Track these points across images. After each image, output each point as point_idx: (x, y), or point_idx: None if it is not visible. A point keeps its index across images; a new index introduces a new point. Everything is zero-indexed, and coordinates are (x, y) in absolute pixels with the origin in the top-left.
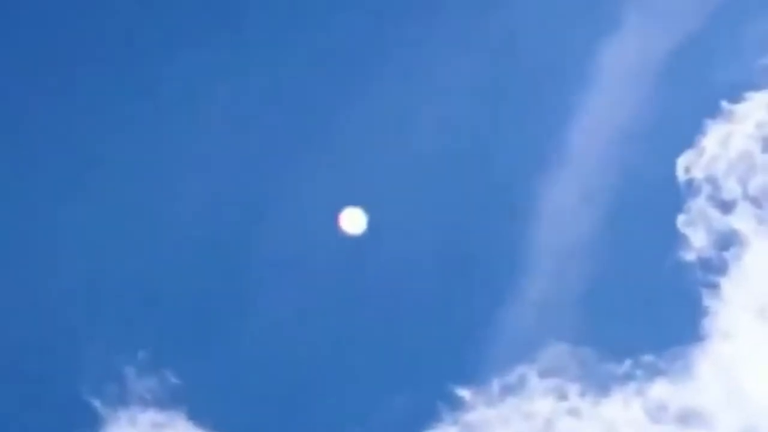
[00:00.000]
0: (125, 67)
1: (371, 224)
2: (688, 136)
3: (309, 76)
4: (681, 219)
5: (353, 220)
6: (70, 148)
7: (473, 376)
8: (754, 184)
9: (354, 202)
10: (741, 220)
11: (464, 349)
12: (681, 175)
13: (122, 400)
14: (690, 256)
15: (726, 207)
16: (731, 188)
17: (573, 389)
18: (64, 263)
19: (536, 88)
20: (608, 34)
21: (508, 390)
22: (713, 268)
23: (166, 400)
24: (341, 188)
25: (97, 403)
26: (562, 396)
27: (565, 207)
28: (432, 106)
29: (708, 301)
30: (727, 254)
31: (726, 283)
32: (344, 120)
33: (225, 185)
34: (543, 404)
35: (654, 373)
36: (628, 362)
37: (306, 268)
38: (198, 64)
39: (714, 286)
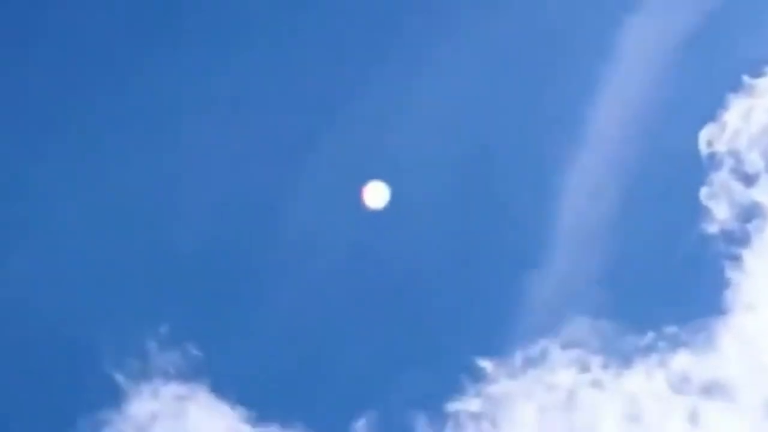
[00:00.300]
0: (130, 52)
1: (395, 198)
2: (710, 111)
3: (332, 50)
4: (704, 192)
5: (376, 194)
6: (86, 119)
7: (496, 349)
8: None
9: (377, 176)
10: (763, 193)
11: (487, 321)
12: (703, 148)
13: (144, 373)
14: (713, 229)
15: (749, 180)
16: (754, 161)
17: (595, 361)
18: (84, 237)
19: (558, 64)
20: (630, 11)
21: (530, 362)
22: (736, 240)
23: (189, 373)
24: (364, 162)
25: (119, 377)
26: (585, 368)
27: (588, 181)
28: (454, 83)
29: (730, 273)
30: (749, 226)
31: (748, 256)
32: (366, 96)
33: (249, 159)
34: (565, 376)
35: (677, 344)
36: (650, 334)
37: (328, 242)
38: (216, 38)
39: (737, 259)
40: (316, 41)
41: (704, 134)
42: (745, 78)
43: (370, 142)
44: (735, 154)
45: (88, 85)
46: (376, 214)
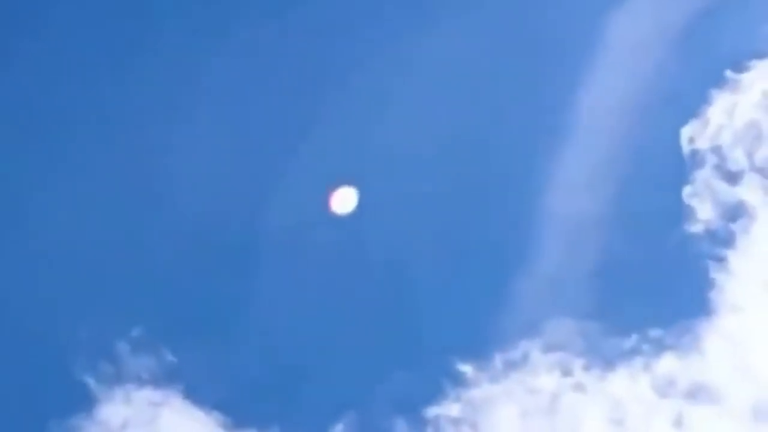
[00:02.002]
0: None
1: (374, 198)
2: (692, 107)
3: (300, 54)
4: (687, 191)
5: (351, 195)
6: (61, 122)
7: (477, 352)
8: (761, 155)
9: (355, 175)
10: (748, 191)
11: (468, 324)
12: (686, 146)
13: (117, 378)
14: (696, 229)
15: (732, 178)
16: (737, 159)
17: (578, 364)
18: (56, 239)
19: (542, 59)
20: (614, 7)
21: (511, 365)
22: (720, 240)
23: (162, 378)
24: (343, 161)
25: (91, 382)
26: (567, 371)
27: (570, 182)
28: (437, 77)
29: (715, 274)
30: (734, 226)
31: (733, 256)
32: (352, 85)
33: (218, 164)
34: (547, 380)
35: (661, 347)
36: (634, 337)
37: (305, 245)
38: (183, 45)
39: (721, 259)
40: (286, 42)
41: (686, 131)
42: (729, 73)
43: (353, 136)
44: (718, 152)
45: (70, 77)
46: (355, 214)
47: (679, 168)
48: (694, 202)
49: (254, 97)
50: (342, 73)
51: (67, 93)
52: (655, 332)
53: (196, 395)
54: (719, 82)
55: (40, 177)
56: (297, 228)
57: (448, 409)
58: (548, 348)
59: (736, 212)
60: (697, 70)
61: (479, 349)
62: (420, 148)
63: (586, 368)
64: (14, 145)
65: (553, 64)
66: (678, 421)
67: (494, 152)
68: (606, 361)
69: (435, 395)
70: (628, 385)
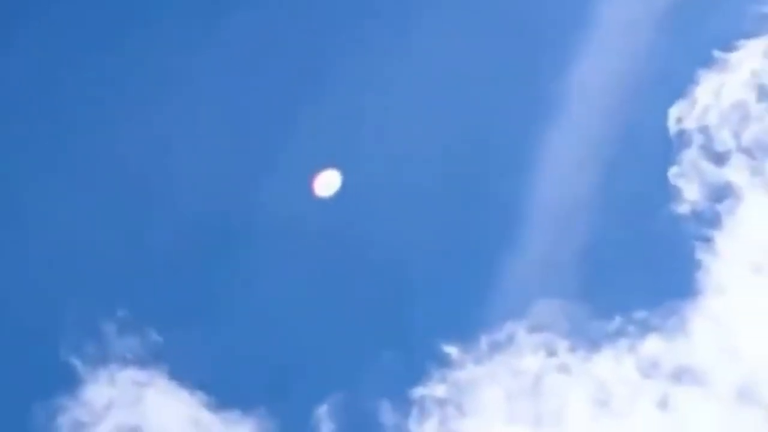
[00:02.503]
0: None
1: (359, 181)
2: (680, 87)
3: (286, 39)
4: (673, 171)
5: (335, 178)
6: (49, 103)
7: (462, 334)
8: (748, 135)
9: (340, 157)
10: (735, 172)
11: (453, 306)
12: (672, 126)
13: (102, 358)
14: (683, 209)
15: (719, 159)
16: (724, 139)
17: (563, 345)
18: (41, 220)
19: (529, 40)
20: None
21: (496, 347)
22: (707, 221)
23: (147, 359)
24: (330, 142)
25: (76, 362)
26: (552, 352)
27: (557, 161)
28: (425, 60)
29: (702, 255)
30: (720, 207)
31: (720, 237)
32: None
33: (203, 147)
34: (532, 361)
35: (646, 329)
36: (619, 318)
37: (290, 226)
38: (168, 35)
39: (708, 240)
40: (273, 30)
41: (673, 111)
42: (717, 53)
43: (342, 118)
44: (705, 132)
45: (62, 65)
46: (339, 197)
47: (666, 148)
48: (680, 183)
49: (240, 84)
50: (330, 55)
51: (57, 80)
52: (640, 314)
53: (182, 376)
54: (707, 62)
55: (26, 161)
56: (282, 210)
57: (434, 390)
58: (533, 329)
59: (722, 193)
60: (685, 49)
61: (464, 331)
62: (406, 131)
63: (572, 349)
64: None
65: (540, 45)
66: (663, 403)
67: (481, 134)
68: (591, 342)
69: (420, 376)
70: (613, 366)
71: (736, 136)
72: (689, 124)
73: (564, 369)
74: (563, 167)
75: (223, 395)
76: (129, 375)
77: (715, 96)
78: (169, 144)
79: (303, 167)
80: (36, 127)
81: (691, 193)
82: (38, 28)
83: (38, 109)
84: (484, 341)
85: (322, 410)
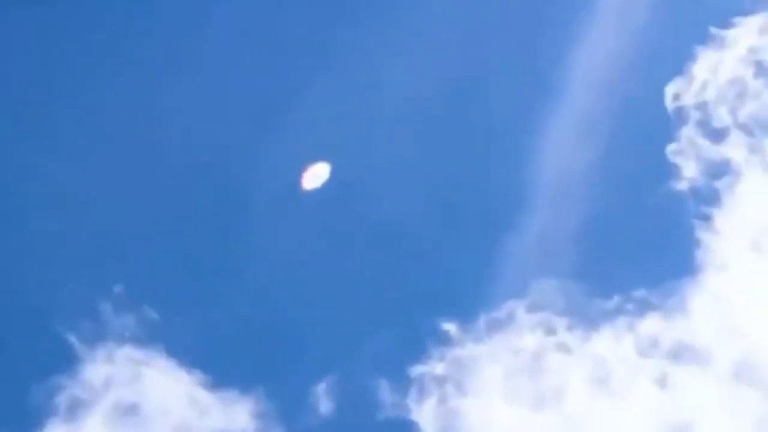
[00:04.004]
0: None
1: (362, 161)
2: (677, 64)
3: (278, 31)
4: (671, 148)
5: (319, 169)
6: (44, 70)
7: (461, 312)
8: (746, 112)
9: (338, 133)
10: (733, 149)
11: (452, 284)
12: (670, 103)
13: (99, 336)
14: (681, 186)
15: (717, 135)
16: (722, 116)
17: (561, 324)
18: (36, 196)
19: (526, 19)
20: None
21: (495, 325)
22: (705, 198)
23: (144, 337)
24: (330, 114)
25: (73, 340)
26: (551, 331)
27: (555, 139)
28: (422, 39)
29: (701, 233)
30: (719, 184)
31: (719, 215)
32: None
33: (200, 121)
34: (531, 339)
35: (645, 307)
36: (617, 297)
37: (288, 202)
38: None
39: (707, 218)
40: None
41: (670, 88)
42: (714, 30)
43: (345, 96)
44: (703, 108)
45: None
46: (339, 174)
47: (664, 125)
48: (679, 160)
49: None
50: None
51: (51, 53)
52: (639, 292)
53: (178, 354)
54: (704, 38)
55: (20, 140)
56: (281, 186)
57: (432, 368)
58: (533, 308)
59: (721, 170)
60: (682, 26)
61: (464, 309)
62: (408, 108)
63: (570, 328)
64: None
65: (537, 23)
66: (662, 381)
67: (478, 114)
68: (590, 321)
69: (419, 354)
70: (612, 344)
71: (734, 112)
72: (687, 100)
73: (563, 348)
74: (561, 146)
75: (220, 374)
76: (126, 353)
77: (713, 73)
78: (164, 123)
79: (301, 140)
80: (30, 106)
81: (689, 171)
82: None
83: (31, 95)
84: (483, 319)
85: (321, 389)
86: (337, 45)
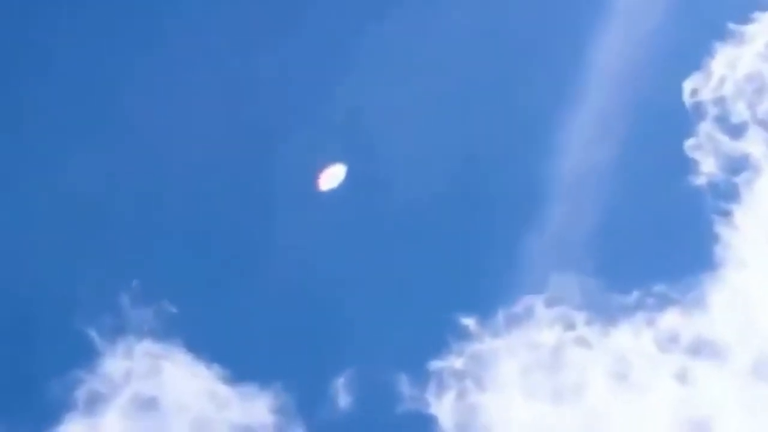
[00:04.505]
0: None
1: (381, 154)
2: (695, 59)
3: (295, 32)
4: (689, 143)
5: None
6: (63, 58)
7: (481, 307)
8: (764, 107)
9: (357, 129)
10: (751, 144)
11: (471, 279)
12: (688, 98)
13: (119, 330)
14: (700, 181)
15: (735, 131)
16: (740, 111)
17: (580, 319)
18: (57, 192)
19: (545, 16)
20: None
21: (515, 320)
22: (724, 194)
23: (163, 331)
24: (353, 110)
25: (92, 334)
26: (570, 326)
27: (574, 135)
28: (447, 37)
29: (719, 228)
30: (737, 179)
31: (738, 210)
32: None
33: (217, 116)
34: (550, 334)
35: (665, 302)
36: (636, 292)
37: (309, 197)
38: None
39: (726, 213)
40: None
41: (689, 84)
42: (732, 25)
43: (370, 95)
44: (721, 104)
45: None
46: (362, 169)
47: (682, 121)
48: (697, 155)
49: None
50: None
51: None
52: (658, 287)
53: (197, 348)
54: (722, 34)
55: (42, 135)
56: (301, 179)
57: (452, 362)
58: (551, 303)
59: (739, 165)
60: (700, 22)
61: (483, 304)
62: (428, 106)
63: (589, 323)
64: (20, 91)
65: (556, 20)
66: (681, 376)
67: (498, 111)
68: (609, 316)
69: (438, 349)
70: (631, 339)
71: (752, 107)
72: (705, 96)
73: (582, 342)
74: (580, 142)
75: (239, 368)
76: (145, 347)
77: (731, 68)
78: (184, 122)
79: (322, 136)
80: (55, 95)
81: (707, 166)
82: None
83: (53, 95)
84: (502, 314)
85: (339, 383)
86: (355, 46)
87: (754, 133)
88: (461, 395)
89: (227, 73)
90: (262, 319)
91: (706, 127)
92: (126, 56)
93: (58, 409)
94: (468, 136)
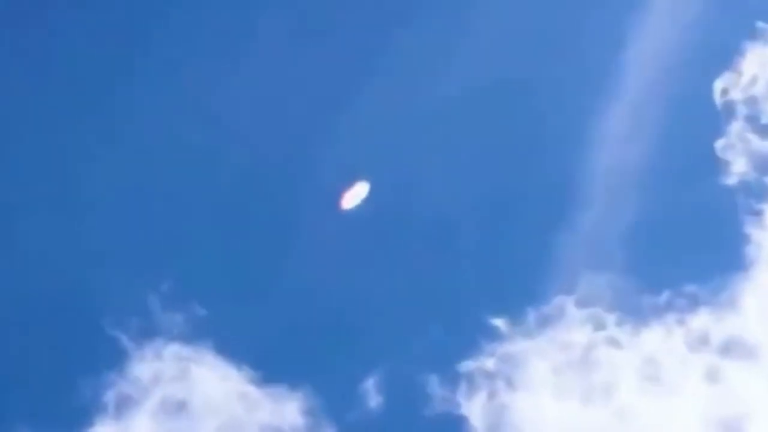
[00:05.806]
0: None
1: (416, 156)
2: (726, 59)
3: (319, 47)
4: (720, 143)
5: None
6: (86, 64)
7: (511, 307)
8: None
9: (384, 132)
10: None
11: (503, 280)
12: (719, 98)
13: (148, 333)
14: (731, 181)
15: (766, 130)
16: None
17: (611, 319)
18: (86, 193)
19: (576, 15)
20: None
21: (545, 320)
22: (755, 193)
23: (193, 333)
24: (381, 116)
25: (122, 337)
26: (600, 326)
27: (605, 136)
28: (480, 35)
29: (750, 228)
30: None
31: None
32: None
33: (248, 121)
34: (580, 335)
35: (696, 303)
36: (667, 292)
37: (337, 199)
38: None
39: (757, 213)
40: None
41: (719, 83)
42: (762, 24)
43: (401, 94)
44: (751, 103)
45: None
46: (392, 171)
47: (713, 120)
48: (728, 155)
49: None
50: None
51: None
52: (689, 287)
53: (227, 350)
54: (752, 33)
55: (70, 134)
56: (331, 183)
57: (482, 363)
58: (582, 303)
59: None
60: (730, 21)
61: (513, 304)
62: (459, 104)
63: (620, 323)
64: (51, 95)
65: (588, 20)
66: (712, 376)
67: (528, 110)
68: (640, 316)
69: (469, 350)
70: (662, 340)
71: None
72: (735, 95)
73: (612, 343)
74: (611, 141)
75: (269, 370)
76: (175, 350)
77: (761, 67)
78: (216, 133)
79: (357, 139)
80: (85, 100)
81: (738, 166)
82: None
83: (79, 98)
84: (532, 315)
85: (369, 384)
86: (378, 60)
87: None
88: (492, 396)
89: (255, 92)
90: (292, 320)
91: (736, 127)
92: (163, 76)
93: (88, 412)
94: (500, 136)
